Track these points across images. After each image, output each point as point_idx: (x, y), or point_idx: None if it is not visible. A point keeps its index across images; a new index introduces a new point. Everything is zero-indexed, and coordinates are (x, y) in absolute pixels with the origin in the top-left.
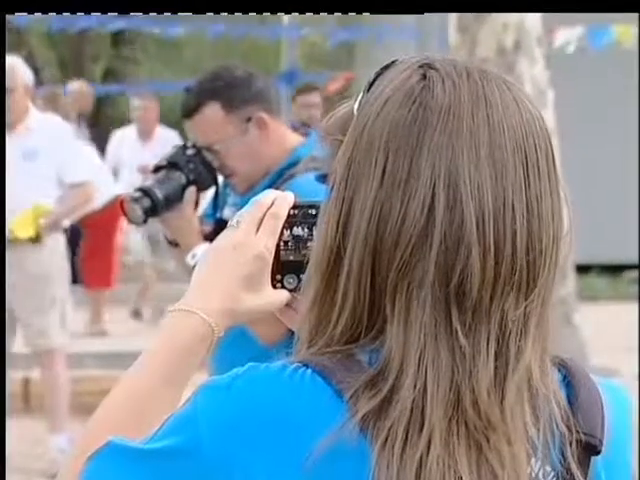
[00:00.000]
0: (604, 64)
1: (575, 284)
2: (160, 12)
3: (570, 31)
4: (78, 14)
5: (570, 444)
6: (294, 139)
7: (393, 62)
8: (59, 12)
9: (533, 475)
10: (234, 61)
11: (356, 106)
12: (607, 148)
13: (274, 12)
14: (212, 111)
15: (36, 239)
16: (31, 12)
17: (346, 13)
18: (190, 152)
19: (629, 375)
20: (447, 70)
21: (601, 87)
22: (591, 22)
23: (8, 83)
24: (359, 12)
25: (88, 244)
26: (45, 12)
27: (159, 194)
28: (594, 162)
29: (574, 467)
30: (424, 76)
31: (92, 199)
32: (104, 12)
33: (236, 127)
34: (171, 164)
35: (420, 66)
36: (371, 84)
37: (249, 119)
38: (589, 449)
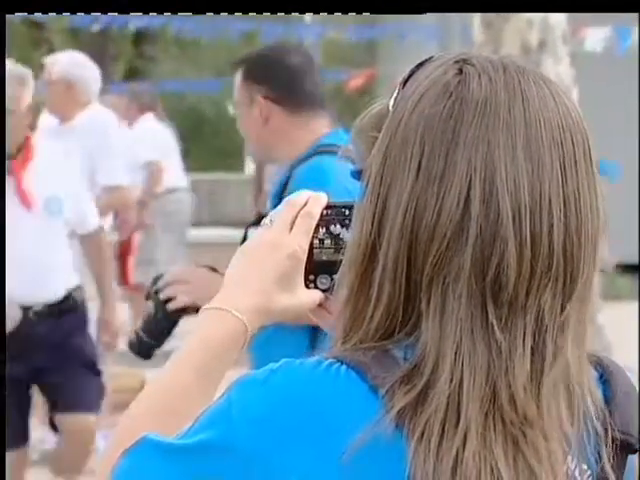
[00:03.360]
0: (629, 65)
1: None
2: (176, 12)
3: (597, 31)
4: (97, 13)
5: (606, 443)
6: (316, 126)
7: (429, 59)
8: (59, 12)
9: (569, 473)
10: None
11: (391, 102)
12: (631, 148)
13: (288, 12)
14: (237, 76)
15: None
16: (31, 12)
17: (364, 13)
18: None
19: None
20: (483, 65)
21: (625, 88)
22: (616, 22)
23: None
24: (379, 12)
25: (125, 242)
26: (45, 12)
27: (147, 337)
28: (618, 160)
29: (608, 467)
30: (460, 71)
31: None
32: (104, 12)
33: (246, 99)
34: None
35: (456, 62)
36: (406, 80)
37: (253, 99)
38: (626, 448)
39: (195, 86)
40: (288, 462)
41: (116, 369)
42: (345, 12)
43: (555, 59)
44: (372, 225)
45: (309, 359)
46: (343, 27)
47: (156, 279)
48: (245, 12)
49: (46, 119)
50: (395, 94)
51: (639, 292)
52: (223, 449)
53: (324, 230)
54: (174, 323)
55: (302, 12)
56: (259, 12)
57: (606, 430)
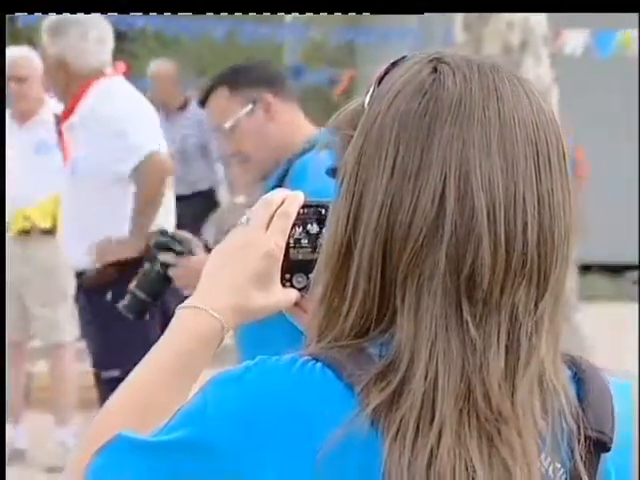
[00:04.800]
0: (609, 67)
1: (575, 283)
2: (159, 12)
3: (577, 35)
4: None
5: (579, 441)
6: (310, 128)
7: (403, 57)
8: (59, 12)
9: (543, 470)
10: (236, 59)
11: (367, 100)
12: (610, 148)
13: (274, 12)
14: (219, 95)
15: (52, 230)
16: (31, 12)
17: (347, 13)
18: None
19: (630, 375)
20: (458, 63)
21: (605, 89)
22: (596, 26)
23: (18, 70)
24: (360, 12)
25: None
26: (45, 12)
27: (142, 295)
28: (598, 161)
29: (580, 465)
30: (435, 69)
31: None
32: (104, 12)
33: (241, 107)
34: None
35: (430, 60)
36: (381, 79)
37: (255, 101)
38: (599, 446)
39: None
40: (263, 460)
41: (88, 366)
42: (330, 12)
43: (536, 60)
44: (347, 223)
45: (284, 357)
46: (324, 28)
47: (158, 241)
48: (231, 12)
49: None
50: (370, 92)
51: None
52: (198, 447)
53: (300, 229)
54: (168, 284)
55: (288, 12)
56: (245, 12)
57: (579, 428)
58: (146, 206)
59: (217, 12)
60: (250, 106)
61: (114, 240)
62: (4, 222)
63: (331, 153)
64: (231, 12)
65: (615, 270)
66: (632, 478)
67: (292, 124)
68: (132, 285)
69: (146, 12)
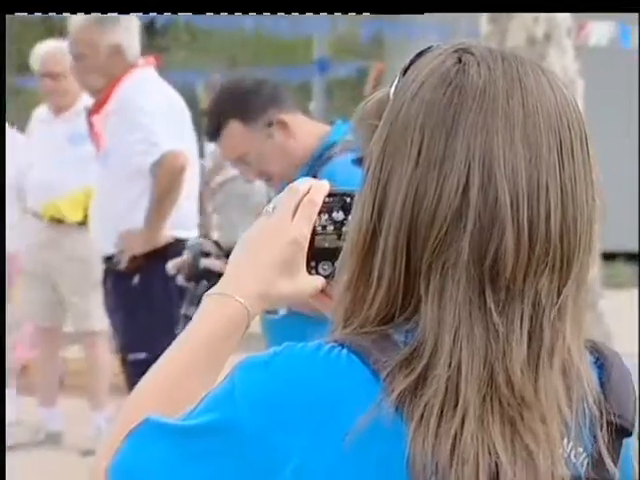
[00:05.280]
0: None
1: (600, 271)
2: (190, 11)
3: (601, 26)
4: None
5: (601, 426)
6: (320, 128)
7: (428, 48)
8: (59, 12)
9: (565, 455)
10: (265, 51)
11: (392, 90)
12: (631, 139)
13: (302, 12)
14: (233, 129)
15: (83, 222)
16: (31, 12)
17: (371, 13)
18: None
19: None
20: (482, 54)
21: (629, 81)
22: (620, 19)
23: (45, 66)
24: (385, 12)
25: None
26: (45, 12)
27: (183, 281)
28: (620, 152)
29: (603, 450)
30: (459, 60)
31: None
32: (104, 12)
33: (260, 135)
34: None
35: (455, 51)
36: (406, 69)
37: (270, 124)
38: (621, 431)
39: (206, 77)
40: (289, 444)
41: None
42: (359, 12)
43: (560, 51)
44: (372, 211)
45: (310, 343)
46: (352, 21)
47: (200, 238)
48: (260, 12)
49: None
50: (396, 82)
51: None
52: (226, 431)
53: (326, 217)
54: (206, 275)
55: (316, 12)
56: (273, 12)
57: (601, 413)
58: (159, 202)
59: (245, 12)
60: (267, 131)
61: (135, 231)
62: (4, 223)
63: (353, 153)
64: (259, 12)
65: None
66: None
67: (306, 132)
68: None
69: (175, 12)
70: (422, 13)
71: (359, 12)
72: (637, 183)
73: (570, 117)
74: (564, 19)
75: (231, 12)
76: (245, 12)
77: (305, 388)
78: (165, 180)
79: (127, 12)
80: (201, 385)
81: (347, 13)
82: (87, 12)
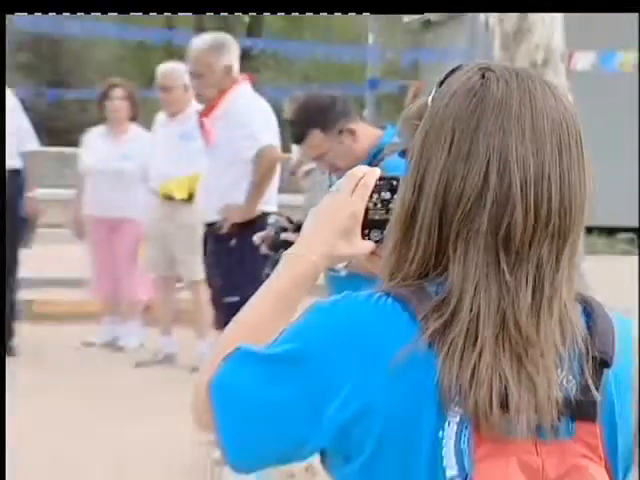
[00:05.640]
0: (615, 82)
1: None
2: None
3: (584, 55)
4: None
5: (587, 360)
6: (376, 132)
7: (459, 66)
8: (59, 12)
9: (559, 382)
10: (332, 73)
11: (430, 99)
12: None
13: (302, 12)
14: (314, 136)
15: (189, 199)
16: (31, 12)
17: (371, 12)
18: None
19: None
20: (501, 71)
21: (610, 99)
22: (601, 48)
23: (163, 81)
24: (385, 12)
25: None
26: (45, 12)
27: (267, 249)
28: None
29: (588, 377)
30: (483, 76)
31: None
32: (104, 12)
33: (333, 140)
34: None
35: (480, 69)
36: (442, 82)
37: (341, 131)
38: (602, 363)
39: (286, 93)
40: (346, 370)
41: None
42: (359, 12)
43: (555, 73)
44: (413, 191)
45: (364, 292)
46: (396, 50)
47: (280, 216)
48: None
49: None
50: (433, 93)
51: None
52: (299, 358)
53: (377, 196)
54: (283, 245)
55: (316, 12)
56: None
57: (587, 350)
58: (259, 184)
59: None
60: (339, 137)
61: (236, 205)
62: (4, 222)
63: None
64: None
65: (611, 231)
66: (629, 390)
67: (366, 136)
68: (259, 240)
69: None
70: (422, 13)
71: (359, 12)
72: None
73: (568, 121)
74: (558, 47)
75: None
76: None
77: (359, 327)
78: (264, 168)
79: (127, 12)
80: (278, 323)
81: (347, 13)
82: (87, 12)
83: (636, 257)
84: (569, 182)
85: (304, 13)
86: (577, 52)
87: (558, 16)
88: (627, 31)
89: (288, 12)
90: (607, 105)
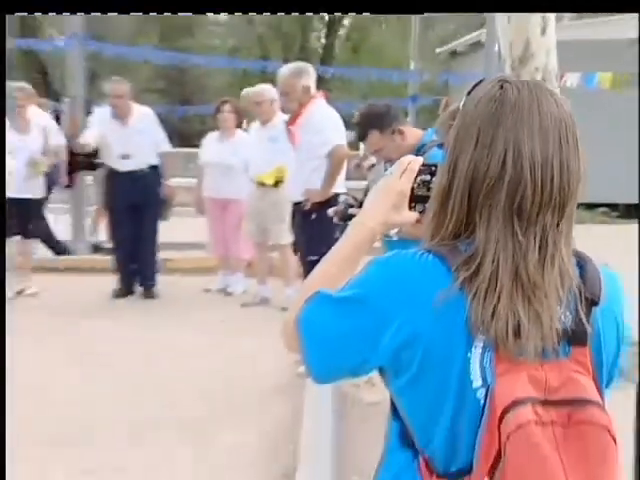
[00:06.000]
0: (595, 95)
1: None
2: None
3: (573, 75)
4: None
5: (580, 300)
6: (419, 132)
7: (482, 80)
8: (59, 12)
9: (558, 317)
10: (383, 91)
11: (461, 105)
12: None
13: (302, 12)
14: (373, 135)
15: (275, 185)
16: (31, 12)
17: (371, 13)
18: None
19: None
20: (515, 83)
21: (592, 108)
22: (585, 70)
23: (256, 98)
24: (386, 12)
25: None
26: (45, 12)
27: (337, 220)
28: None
29: (582, 313)
30: (501, 86)
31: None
32: (104, 12)
33: (387, 138)
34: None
35: (499, 81)
36: (470, 92)
37: (393, 131)
38: (592, 303)
39: (352, 106)
40: (396, 309)
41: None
42: (359, 12)
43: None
44: (448, 175)
45: (410, 250)
46: (432, 74)
47: (348, 196)
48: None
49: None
50: (463, 100)
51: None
52: (362, 300)
53: (420, 178)
54: (350, 217)
55: (316, 12)
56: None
57: (580, 293)
58: (331, 174)
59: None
60: (396, 139)
61: (315, 189)
62: (4, 220)
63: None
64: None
65: (591, 206)
66: (613, 323)
67: (412, 136)
68: (332, 213)
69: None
70: (422, 13)
71: (359, 12)
72: None
73: (567, 121)
74: (553, 69)
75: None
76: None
77: (407, 275)
78: (335, 162)
79: (127, 12)
80: (346, 273)
81: (347, 13)
82: (87, 12)
83: (611, 226)
84: (567, 167)
85: (304, 13)
86: (567, 73)
87: (553, 45)
88: (605, 57)
89: (288, 12)
90: (589, 112)
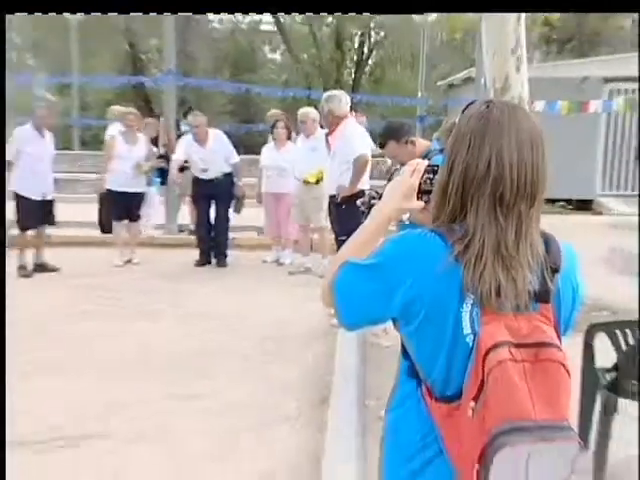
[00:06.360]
0: (558, 119)
1: None
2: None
3: (540, 103)
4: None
5: (546, 269)
6: (426, 143)
7: (474, 101)
8: (59, 12)
9: (529, 280)
10: (397, 113)
11: (457, 120)
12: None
13: (302, 12)
14: (391, 144)
15: (316, 182)
16: (31, 12)
17: (371, 12)
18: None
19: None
20: (499, 104)
21: (555, 127)
22: (549, 99)
23: (302, 118)
24: (386, 12)
25: None
26: (45, 12)
27: (364, 209)
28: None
29: (547, 278)
30: (488, 106)
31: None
32: (104, 12)
33: (402, 147)
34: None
35: (486, 102)
36: (464, 110)
37: (406, 142)
38: (554, 270)
39: (374, 124)
40: (407, 273)
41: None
42: (359, 12)
43: None
44: (447, 173)
45: (417, 230)
46: (435, 100)
47: (371, 191)
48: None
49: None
50: (459, 117)
51: None
52: (381, 266)
53: (425, 176)
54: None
55: (317, 12)
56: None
57: (546, 262)
58: (356, 175)
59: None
60: (408, 147)
61: (345, 186)
62: (4, 220)
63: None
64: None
65: (550, 200)
66: (569, 286)
67: (420, 145)
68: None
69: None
70: (422, 13)
71: (359, 12)
72: None
73: (536, 133)
74: (525, 97)
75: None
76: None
77: (415, 248)
78: (359, 166)
79: (127, 12)
80: (369, 248)
81: (347, 13)
82: (87, 12)
83: (566, 216)
84: (537, 168)
85: (304, 13)
86: (535, 101)
87: (526, 80)
88: (563, 90)
89: (288, 12)
90: (552, 129)
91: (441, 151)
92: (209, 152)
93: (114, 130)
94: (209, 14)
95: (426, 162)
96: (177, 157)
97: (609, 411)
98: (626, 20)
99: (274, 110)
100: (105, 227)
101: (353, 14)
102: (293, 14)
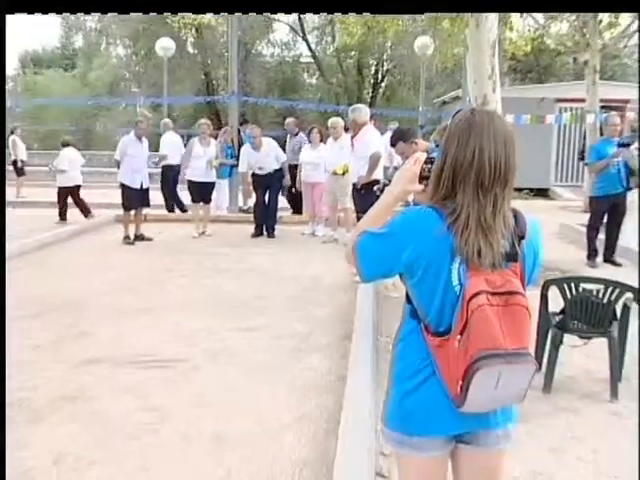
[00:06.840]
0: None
1: None
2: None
3: (509, 116)
4: None
5: (515, 236)
6: (426, 144)
7: (461, 109)
8: (59, 12)
9: (502, 245)
10: (404, 122)
11: (449, 123)
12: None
13: (302, 12)
14: (400, 144)
15: (343, 174)
16: (31, 12)
17: (371, 12)
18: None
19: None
20: (481, 111)
21: (523, 134)
22: (517, 114)
23: (332, 125)
24: (385, 12)
25: None
26: (45, 12)
27: (379, 193)
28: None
29: (515, 243)
30: (472, 112)
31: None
32: (104, 12)
33: (408, 146)
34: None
35: (471, 109)
36: (454, 115)
37: (412, 142)
38: (521, 237)
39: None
40: (411, 239)
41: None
42: (359, 12)
43: None
44: (441, 164)
45: (418, 207)
46: (432, 113)
47: (385, 179)
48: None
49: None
50: (450, 120)
51: None
52: (391, 234)
53: (425, 165)
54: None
55: (316, 12)
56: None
57: (515, 232)
58: (372, 167)
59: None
60: (412, 146)
61: (363, 176)
62: (4, 220)
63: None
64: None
65: (517, 189)
66: (531, 249)
67: (422, 144)
68: (377, 188)
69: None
70: (422, 13)
71: (359, 12)
72: None
73: (509, 133)
74: (499, 111)
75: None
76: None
77: (416, 220)
78: (374, 161)
79: (127, 12)
80: (381, 220)
81: (347, 13)
82: (87, 12)
83: (528, 201)
84: (509, 160)
85: (303, 13)
86: (507, 114)
87: (500, 99)
88: (527, 107)
89: (288, 12)
90: (519, 134)
91: (437, 146)
92: (263, 156)
93: (171, 137)
94: (262, 50)
95: (425, 155)
96: (241, 170)
97: (557, 343)
98: (570, 57)
99: (290, 118)
100: (170, 207)
101: (371, 49)
102: (327, 50)
